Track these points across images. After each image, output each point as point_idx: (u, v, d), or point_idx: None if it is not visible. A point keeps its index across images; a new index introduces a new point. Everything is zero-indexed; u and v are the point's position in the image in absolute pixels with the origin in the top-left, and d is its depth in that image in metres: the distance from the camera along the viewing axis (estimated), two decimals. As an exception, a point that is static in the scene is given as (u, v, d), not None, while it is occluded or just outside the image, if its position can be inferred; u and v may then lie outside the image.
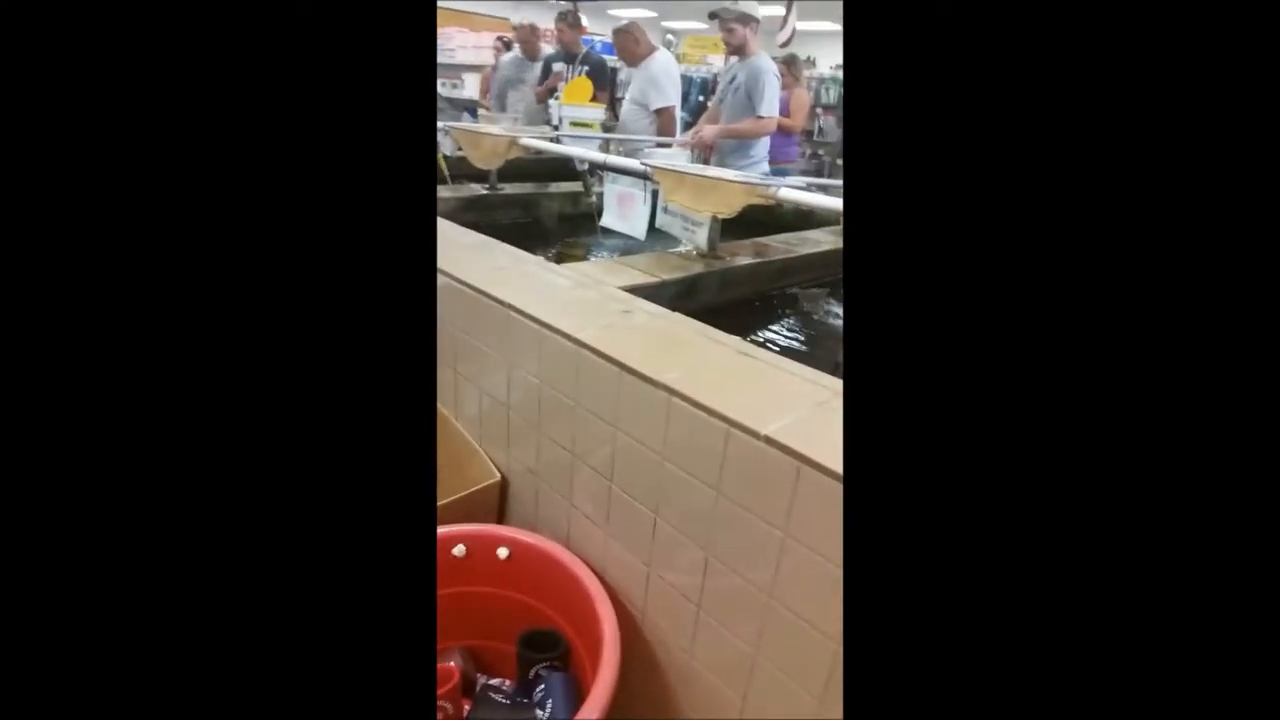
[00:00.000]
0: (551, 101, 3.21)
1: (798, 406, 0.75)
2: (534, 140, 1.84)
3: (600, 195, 1.97)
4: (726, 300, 1.48)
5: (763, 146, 3.01)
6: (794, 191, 1.28)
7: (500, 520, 1.18)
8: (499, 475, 1.14)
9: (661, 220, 1.59)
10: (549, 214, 2.18)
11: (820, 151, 4.82)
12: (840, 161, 4.75)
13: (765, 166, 3.06)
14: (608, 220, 1.72)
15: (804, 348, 1.37)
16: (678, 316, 1.02)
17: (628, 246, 2.03)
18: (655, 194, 1.58)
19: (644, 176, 1.52)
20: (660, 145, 2.77)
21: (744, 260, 1.51)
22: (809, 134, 4.82)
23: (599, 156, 1.68)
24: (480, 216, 1.96)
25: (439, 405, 1.24)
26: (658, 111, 3.05)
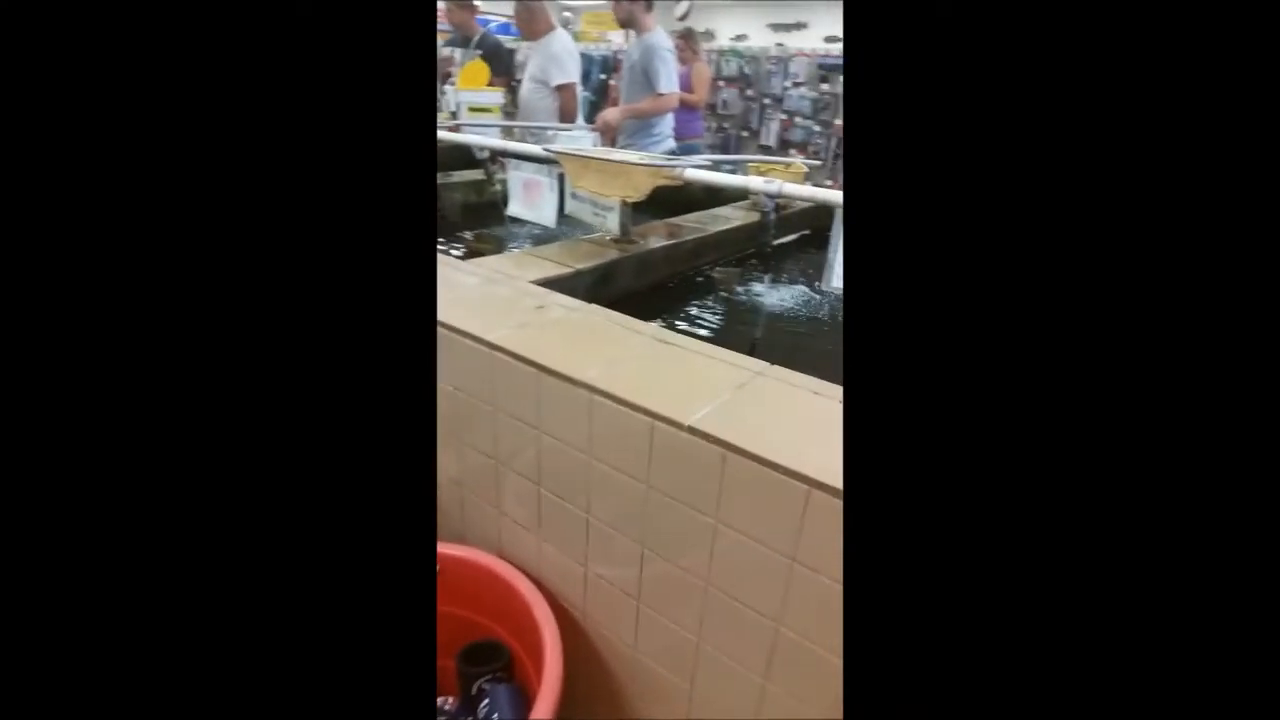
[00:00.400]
0: (446, 88, 3.07)
1: (719, 391, 0.75)
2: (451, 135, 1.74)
3: (505, 183, 1.90)
4: (644, 285, 1.47)
5: (666, 124, 3.00)
6: (699, 171, 1.28)
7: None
8: (421, 488, 1.08)
9: (571, 206, 1.55)
10: (451, 205, 2.09)
11: (725, 125, 4.86)
12: (744, 134, 4.82)
13: (671, 143, 3.06)
14: (515, 209, 1.66)
15: (723, 327, 1.38)
16: (594, 308, 0.99)
17: (540, 235, 1.98)
18: (562, 179, 1.54)
19: (548, 162, 1.48)
20: (562, 129, 2.71)
21: (658, 243, 1.50)
22: (712, 108, 4.85)
23: (499, 143, 1.61)
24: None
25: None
26: (559, 88, 2.98)
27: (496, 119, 2.90)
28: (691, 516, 0.72)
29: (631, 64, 2.83)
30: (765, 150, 4.58)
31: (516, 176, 1.63)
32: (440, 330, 0.92)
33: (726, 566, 0.72)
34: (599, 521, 0.83)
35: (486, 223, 2.03)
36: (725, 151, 4.70)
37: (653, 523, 0.77)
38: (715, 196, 2.41)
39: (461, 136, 1.69)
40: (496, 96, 3.05)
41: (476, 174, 2.15)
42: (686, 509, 0.72)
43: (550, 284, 1.15)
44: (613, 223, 1.46)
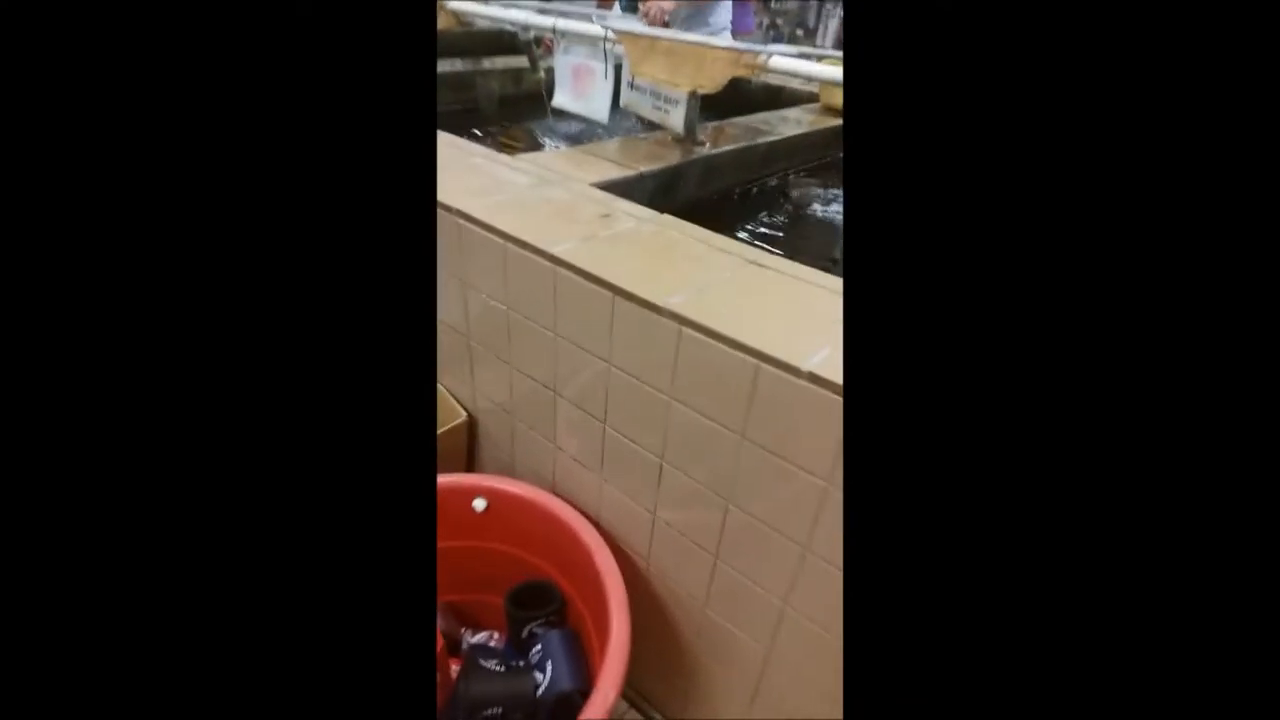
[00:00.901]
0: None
1: (832, 328, 0.61)
2: (462, 4, 1.52)
3: (550, 71, 1.69)
4: (710, 193, 1.29)
5: (723, 12, 2.68)
6: (788, 59, 1.07)
7: (470, 465, 1.04)
8: (465, 414, 0.98)
9: (627, 98, 1.35)
10: (487, 96, 1.88)
11: (778, 21, 4.40)
12: (799, 33, 4.38)
13: (728, 37, 2.76)
14: (561, 100, 1.47)
15: (798, 244, 1.22)
16: (667, 219, 0.84)
17: (585, 132, 1.79)
18: (619, 67, 1.34)
19: (605, 44, 1.27)
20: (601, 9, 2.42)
21: (727, 146, 1.31)
22: (765, 1, 4.38)
23: (547, 21, 1.40)
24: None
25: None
26: None
27: None
28: (796, 476, 0.60)
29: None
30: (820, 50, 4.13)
31: (565, 62, 1.42)
32: (491, 238, 0.78)
33: (835, 535, 0.61)
34: (675, 469, 0.72)
35: (527, 116, 1.83)
36: (776, 50, 4.28)
37: (745, 478, 0.65)
38: (775, 98, 2.16)
39: (503, 12, 1.47)
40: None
41: (517, 60, 1.92)
42: (791, 467, 0.60)
43: (610, 187, 1.00)
44: (677, 119, 1.27)
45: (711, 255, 0.75)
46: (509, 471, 0.97)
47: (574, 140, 1.74)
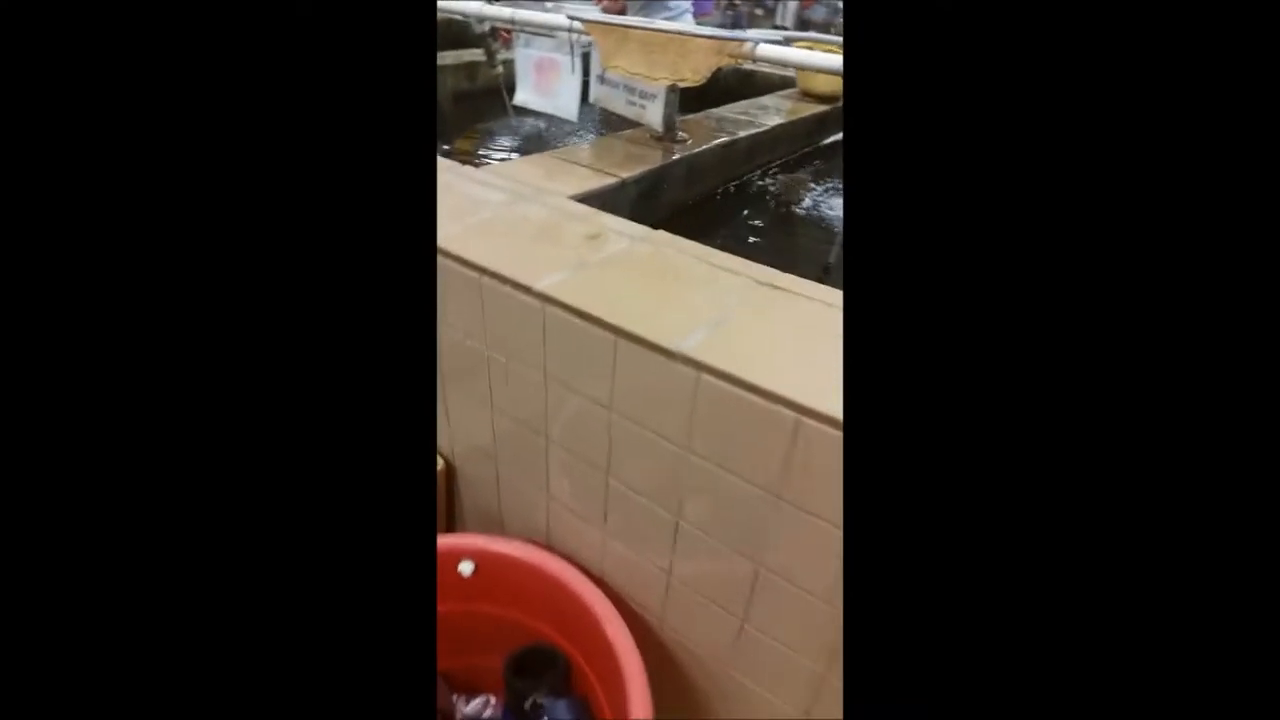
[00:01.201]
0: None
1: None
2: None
3: (509, 64, 1.56)
4: (695, 195, 1.20)
5: (683, -4, 2.57)
6: (774, 48, 0.98)
7: (450, 514, 0.94)
8: (442, 461, 0.88)
9: (598, 93, 1.24)
10: (441, 93, 1.74)
11: (737, 2, 4.30)
12: (758, 12, 4.29)
13: (689, 19, 2.65)
14: (523, 97, 1.35)
15: (793, 249, 1.14)
16: (661, 236, 0.75)
17: (550, 130, 1.67)
18: (587, 59, 1.23)
19: (571, 35, 1.16)
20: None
21: (710, 143, 1.21)
22: (721, -21, 4.27)
23: (504, 12, 1.28)
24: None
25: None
26: None
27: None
28: (838, 538, 0.52)
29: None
30: (781, 31, 4.03)
31: (526, 56, 1.31)
32: (464, 271, 0.68)
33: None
34: (694, 528, 0.63)
35: (485, 115, 1.70)
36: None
37: (777, 539, 0.57)
38: (748, 83, 2.07)
39: (453, 3, 1.34)
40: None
41: (469, 54, 1.79)
42: (837, 530, 0.52)
43: (591, 199, 0.90)
44: (654, 115, 1.17)
45: (717, 278, 0.66)
46: (496, 521, 0.88)
47: (538, 140, 1.62)
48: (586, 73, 1.23)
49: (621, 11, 2.39)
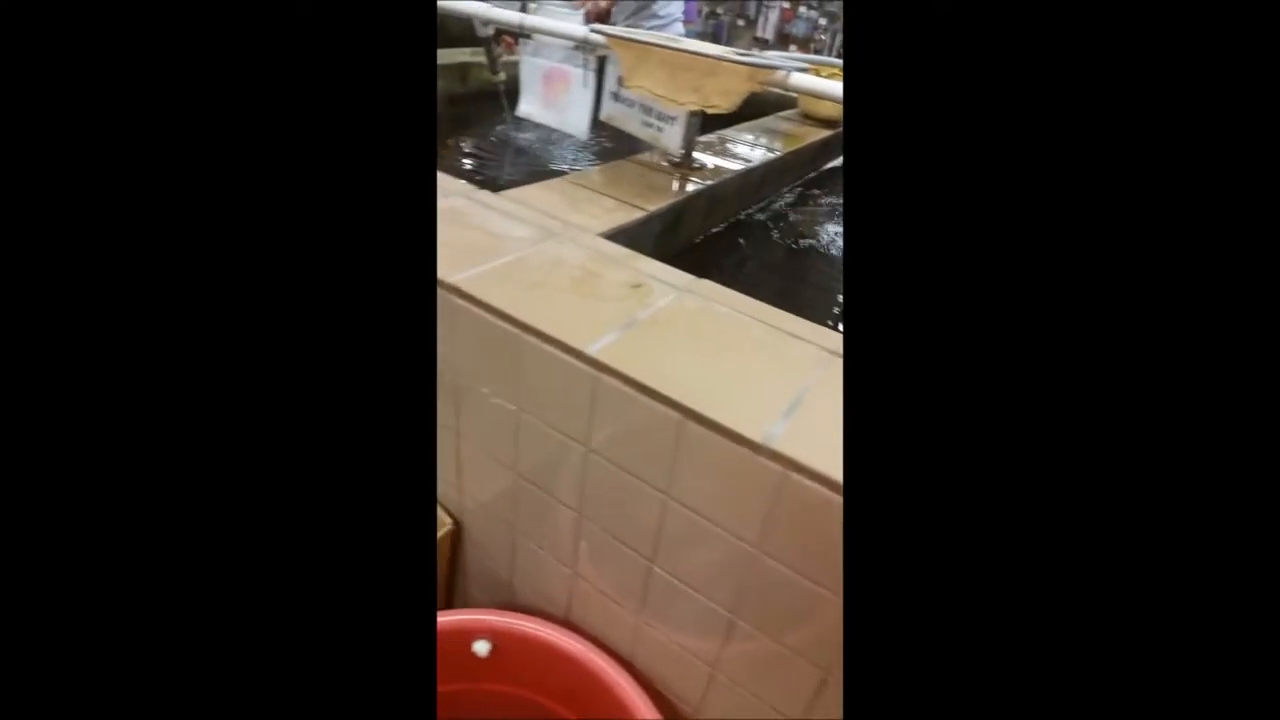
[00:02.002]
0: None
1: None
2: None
3: (507, 68, 1.47)
4: (712, 227, 1.14)
5: (674, 4, 2.51)
6: (807, 78, 0.93)
7: (452, 577, 0.85)
8: (451, 522, 0.79)
9: (610, 111, 1.17)
10: (440, 96, 1.63)
11: (718, 11, 4.26)
12: (739, 22, 4.27)
13: (680, 28, 2.59)
14: (527, 108, 1.26)
15: (821, 295, 1.08)
16: (706, 287, 0.68)
17: (544, 141, 1.58)
18: (601, 72, 1.15)
19: (586, 47, 1.08)
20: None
21: (728, 171, 1.15)
22: (704, -13, 4.22)
23: (512, 16, 1.18)
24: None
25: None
26: None
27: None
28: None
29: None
30: (762, 44, 4.01)
31: (534, 65, 1.22)
32: (498, 322, 0.59)
33: None
34: (756, 630, 0.57)
35: (476, 120, 1.60)
36: (716, 42, 4.15)
37: (857, 649, 0.51)
38: (746, 103, 2.02)
39: (455, 4, 1.24)
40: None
41: (461, 53, 1.68)
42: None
43: (618, 236, 0.82)
44: (672, 139, 1.10)
45: (783, 345, 0.60)
46: (505, 588, 0.79)
47: (534, 154, 1.53)
48: (599, 87, 1.16)
49: (605, 17, 2.31)
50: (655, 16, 2.45)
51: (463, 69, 1.69)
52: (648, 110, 1.12)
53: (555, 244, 0.73)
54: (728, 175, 1.13)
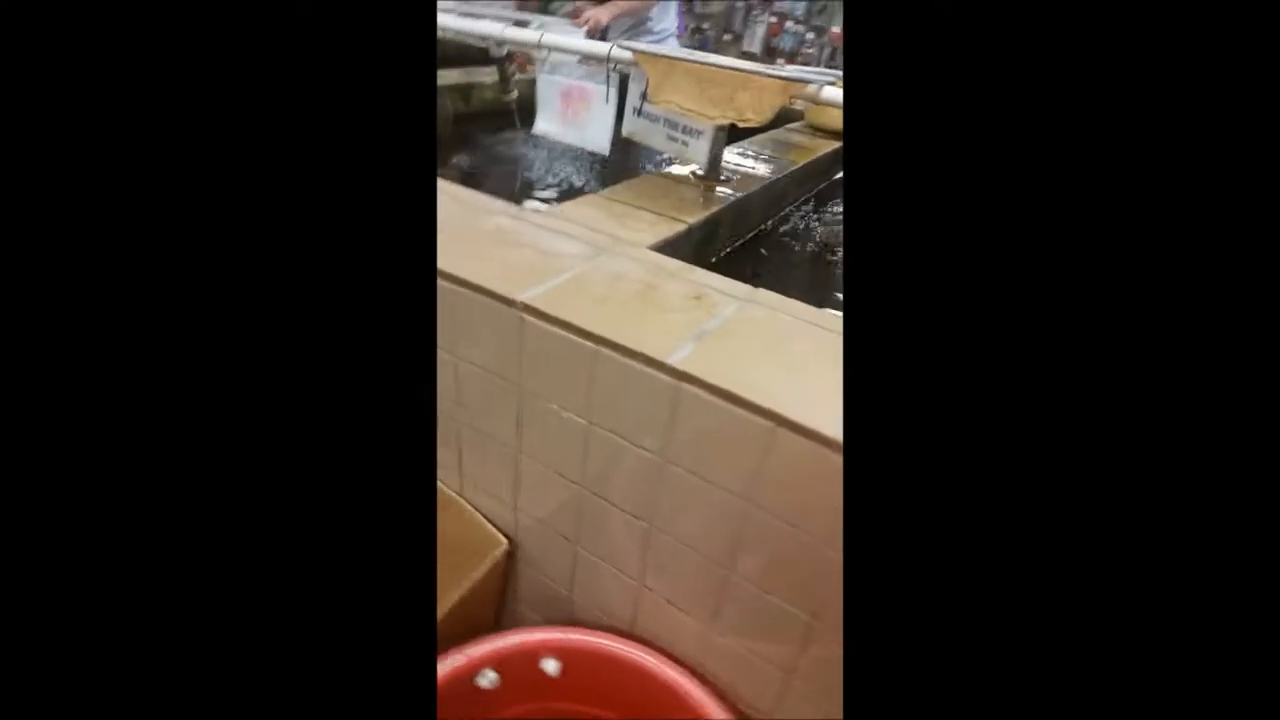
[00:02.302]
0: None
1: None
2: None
3: (518, 87, 1.48)
4: (739, 239, 1.15)
5: (668, 18, 2.54)
6: (839, 92, 0.95)
7: (503, 595, 0.84)
8: (506, 541, 0.79)
9: (633, 127, 1.18)
10: (443, 117, 1.64)
11: (704, 26, 4.32)
12: (726, 37, 4.33)
13: (674, 43, 2.62)
14: (545, 126, 1.27)
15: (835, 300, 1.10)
16: (764, 296, 0.69)
17: (555, 155, 1.59)
18: (623, 90, 1.16)
19: (610, 63, 1.10)
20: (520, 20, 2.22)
21: (755, 184, 1.17)
22: (689, 4, 4.29)
23: (531, 36, 1.20)
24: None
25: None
26: None
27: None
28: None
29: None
30: (750, 58, 4.09)
31: (551, 83, 1.23)
32: (569, 336, 0.60)
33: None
34: (836, 634, 0.57)
35: (479, 139, 1.61)
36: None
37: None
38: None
39: (471, 24, 1.25)
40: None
41: (464, 74, 1.69)
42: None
43: (664, 248, 0.83)
44: (698, 152, 1.11)
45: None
46: (564, 605, 0.79)
47: (553, 171, 1.54)
48: (622, 105, 1.17)
49: (602, 35, 2.35)
50: (650, 33, 2.49)
51: (465, 89, 1.70)
52: (672, 125, 1.13)
53: (609, 259, 0.73)
54: (754, 187, 1.15)
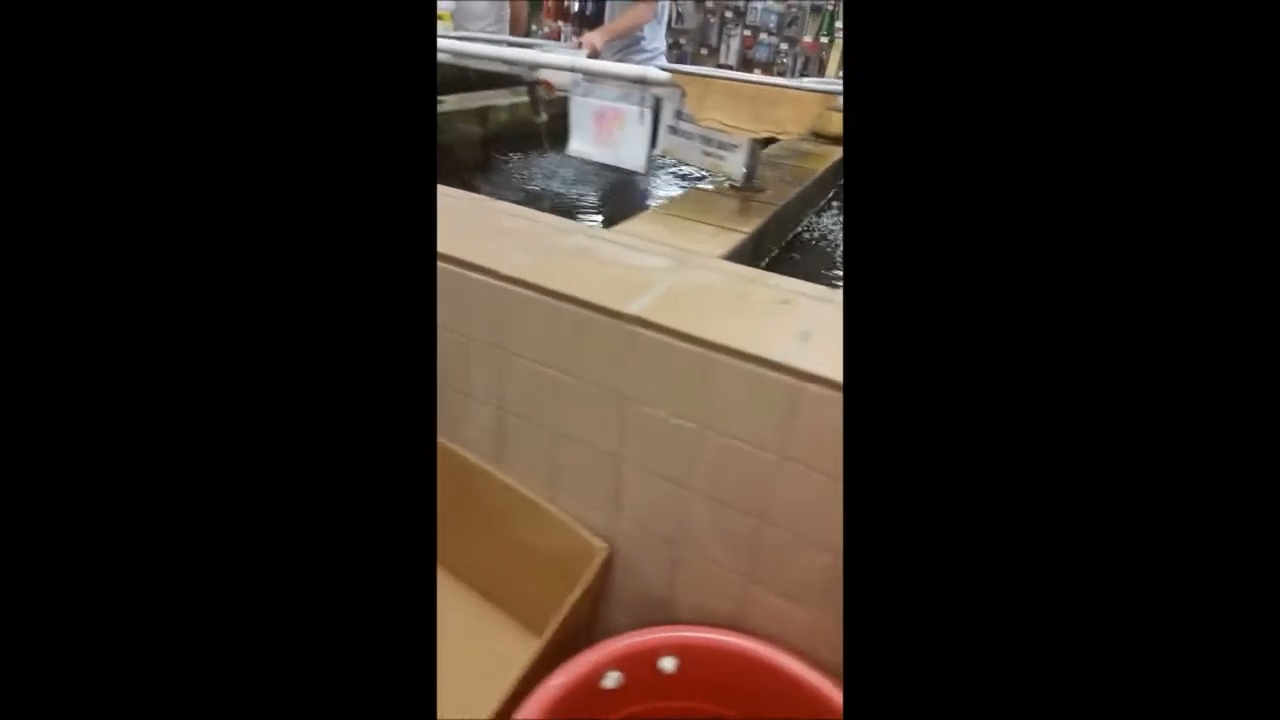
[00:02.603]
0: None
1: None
2: (453, 43, 1.32)
3: (542, 105, 1.52)
4: (779, 249, 1.20)
5: (656, 37, 2.62)
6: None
7: (597, 600, 0.87)
8: (605, 546, 0.81)
9: (668, 143, 1.22)
10: (465, 140, 1.67)
11: (681, 41, 4.42)
12: (702, 50, 4.43)
13: (663, 59, 2.69)
14: (579, 146, 1.31)
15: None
16: (839, 296, 0.73)
17: (579, 177, 1.63)
18: (657, 109, 1.21)
19: (645, 84, 1.14)
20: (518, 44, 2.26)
21: (790, 192, 1.22)
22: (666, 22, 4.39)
23: (564, 60, 1.24)
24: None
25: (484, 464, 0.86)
26: None
27: (446, 27, 2.42)
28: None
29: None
30: (727, 69, 4.19)
31: (585, 105, 1.27)
32: (684, 345, 0.63)
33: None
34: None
35: (494, 162, 1.64)
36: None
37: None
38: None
39: (514, 53, 1.29)
40: (446, 2, 2.56)
41: (480, 97, 1.72)
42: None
43: (733, 258, 0.87)
44: (735, 165, 1.16)
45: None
46: (661, 607, 0.81)
47: (582, 192, 1.58)
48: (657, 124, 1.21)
49: (595, 56, 2.41)
50: (643, 50, 2.56)
51: (481, 113, 1.73)
52: (707, 140, 1.18)
53: (692, 270, 0.77)
54: (790, 195, 1.20)
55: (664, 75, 1.11)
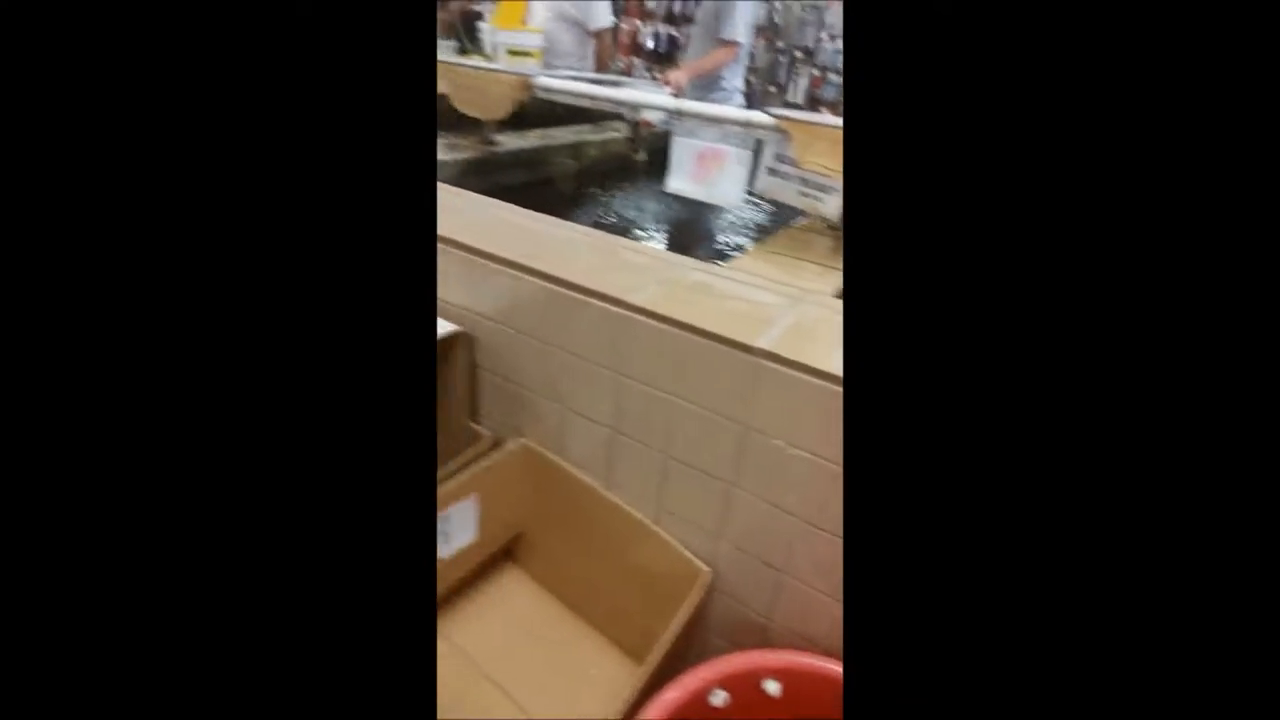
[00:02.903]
0: (481, 24, 2.68)
1: None
2: (561, 83, 1.41)
3: (642, 144, 1.60)
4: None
5: (734, 76, 2.70)
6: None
7: (696, 626, 0.89)
8: (709, 569, 0.84)
9: (766, 184, 1.28)
10: (563, 173, 1.76)
11: (750, 79, 4.53)
12: (770, 89, 4.52)
13: (739, 98, 2.77)
14: (677, 184, 1.38)
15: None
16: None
17: (667, 214, 1.70)
18: (758, 150, 1.27)
19: (749, 127, 1.20)
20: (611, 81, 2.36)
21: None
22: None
23: (670, 102, 1.31)
24: (483, 181, 1.52)
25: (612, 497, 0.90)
26: (597, 33, 2.60)
27: (536, 65, 2.55)
28: None
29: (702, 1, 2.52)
30: (795, 108, 4.28)
31: (686, 145, 1.34)
32: (819, 382, 0.67)
33: None
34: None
35: (583, 198, 1.72)
36: (750, 107, 4.40)
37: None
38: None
39: (614, 92, 1.38)
40: (537, 39, 2.70)
41: (573, 132, 1.82)
42: None
43: (839, 295, 0.91)
44: (832, 206, 1.21)
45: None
46: (758, 632, 0.84)
47: (660, 220, 1.65)
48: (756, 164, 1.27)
49: (679, 94, 2.50)
50: (722, 89, 2.65)
51: (576, 148, 1.83)
52: (805, 182, 1.23)
53: (810, 307, 0.81)
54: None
55: (770, 120, 1.17)
